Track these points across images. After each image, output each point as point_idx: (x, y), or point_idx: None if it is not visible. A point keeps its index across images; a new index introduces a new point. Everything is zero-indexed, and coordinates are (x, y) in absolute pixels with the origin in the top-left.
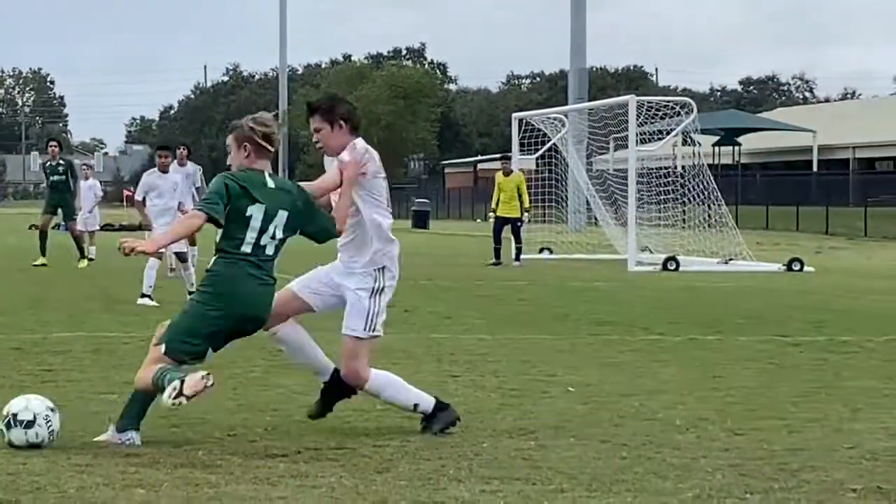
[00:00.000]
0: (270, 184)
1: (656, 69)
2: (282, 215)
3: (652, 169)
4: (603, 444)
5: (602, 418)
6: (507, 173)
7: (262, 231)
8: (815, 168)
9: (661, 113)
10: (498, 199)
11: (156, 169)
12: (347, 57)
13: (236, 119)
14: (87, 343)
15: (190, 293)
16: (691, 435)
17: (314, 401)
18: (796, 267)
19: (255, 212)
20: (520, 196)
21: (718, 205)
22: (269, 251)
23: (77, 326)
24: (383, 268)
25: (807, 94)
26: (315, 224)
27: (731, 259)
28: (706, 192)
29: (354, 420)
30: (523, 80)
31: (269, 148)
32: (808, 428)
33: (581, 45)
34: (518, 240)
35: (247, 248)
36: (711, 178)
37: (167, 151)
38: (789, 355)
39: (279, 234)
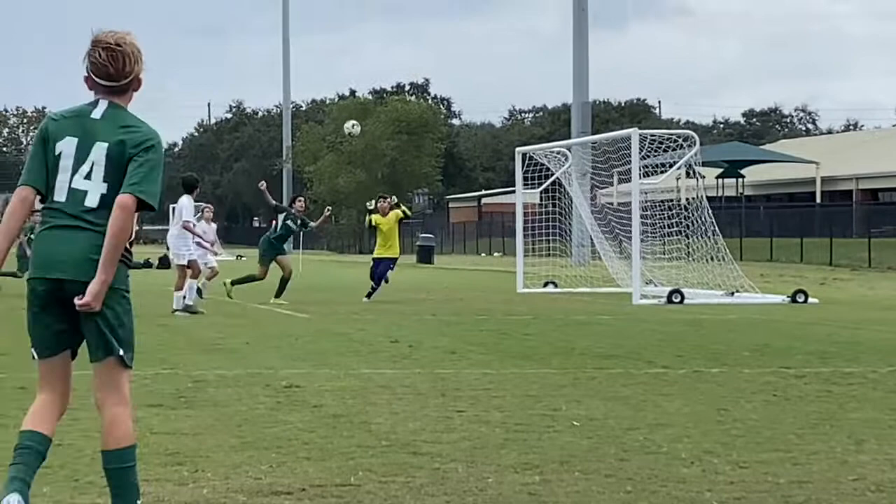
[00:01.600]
0: (97, 114)
1: (659, 102)
2: (100, 148)
3: (655, 202)
4: (608, 479)
5: (607, 452)
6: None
7: (76, 170)
8: (818, 199)
9: (664, 146)
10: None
11: None
12: (352, 92)
13: (240, 156)
14: (91, 381)
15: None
16: (696, 468)
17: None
18: (800, 299)
19: (66, 147)
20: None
21: (716, 238)
22: (91, 200)
23: (81, 364)
24: None
25: (809, 126)
26: (131, 176)
27: (735, 291)
28: (709, 225)
29: (359, 456)
30: (526, 115)
31: (99, 80)
32: (814, 460)
33: (584, 79)
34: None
35: (59, 196)
36: (710, 210)
37: None
38: (794, 387)
39: (101, 177)
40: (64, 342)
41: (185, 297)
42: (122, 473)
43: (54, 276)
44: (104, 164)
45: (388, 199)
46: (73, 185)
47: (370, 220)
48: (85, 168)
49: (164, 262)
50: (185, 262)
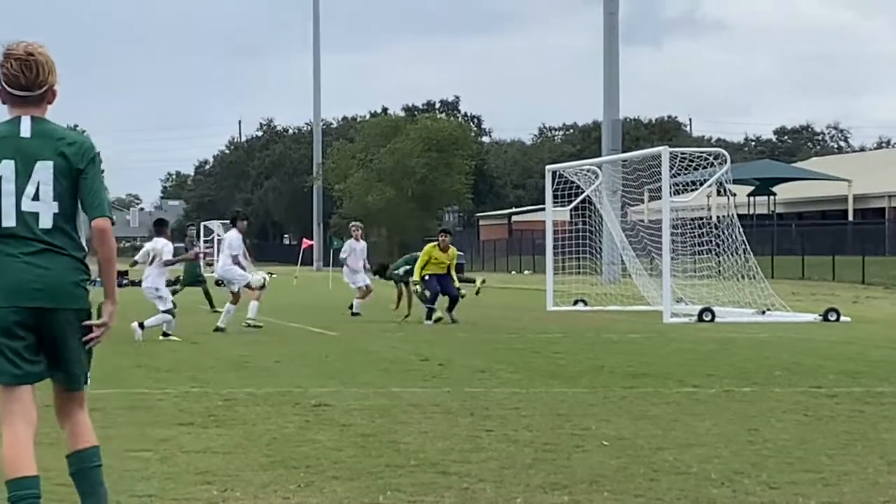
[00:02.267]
0: (25, 132)
1: (690, 119)
2: (45, 167)
3: (686, 220)
4: (637, 499)
5: (636, 472)
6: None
7: (21, 192)
8: (850, 217)
9: (694, 163)
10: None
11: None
12: (384, 110)
13: (271, 173)
14: (121, 399)
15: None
16: (726, 489)
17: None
18: (832, 317)
19: (4, 171)
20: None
21: (747, 256)
22: (45, 221)
23: (112, 383)
24: None
25: (841, 144)
26: (93, 197)
27: (767, 310)
28: (740, 242)
29: (388, 475)
30: (556, 132)
31: (13, 91)
32: (845, 481)
33: (614, 96)
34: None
35: (9, 222)
36: (740, 228)
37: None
38: (825, 407)
39: (51, 196)
40: (38, 367)
41: (248, 316)
42: (92, 473)
43: (34, 305)
44: (51, 182)
45: (450, 236)
46: (22, 209)
47: (427, 259)
48: (30, 189)
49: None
50: (236, 290)
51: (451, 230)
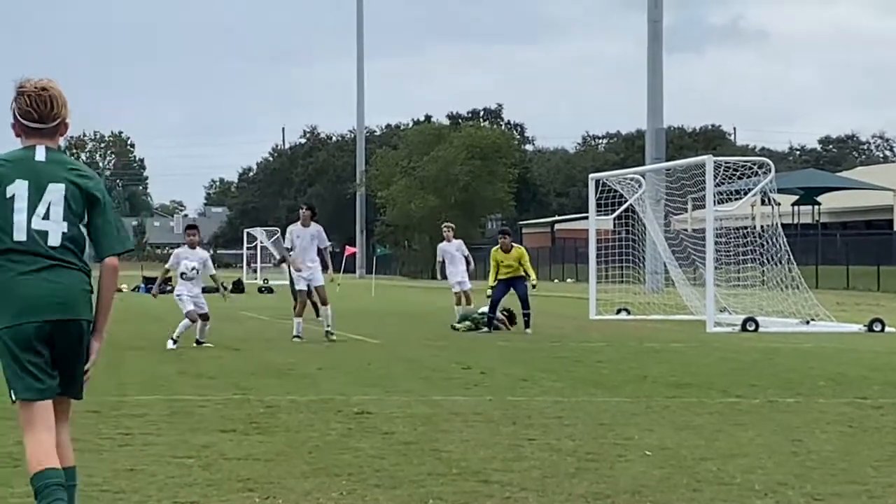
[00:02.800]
0: (40, 157)
1: (734, 128)
2: (57, 189)
3: (730, 229)
4: None
5: (679, 483)
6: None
7: (32, 210)
8: (895, 227)
9: (738, 173)
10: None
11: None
12: (428, 118)
13: (314, 180)
14: (164, 406)
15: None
16: (770, 500)
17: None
18: (877, 328)
19: (18, 189)
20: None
21: (791, 266)
22: (54, 240)
23: (155, 389)
24: None
25: (887, 153)
26: (104, 225)
27: (811, 320)
28: (784, 252)
29: (430, 484)
30: (600, 140)
31: (28, 124)
32: (890, 493)
33: (658, 105)
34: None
35: (19, 237)
36: (784, 237)
37: (195, 230)
38: (870, 418)
39: (61, 216)
40: (56, 381)
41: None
42: (72, 491)
43: (52, 319)
44: (62, 204)
45: (509, 236)
46: (32, 226)
47: (495, 262)
48: (41, 209)
49: (238, 286)
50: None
51: (510, 231)
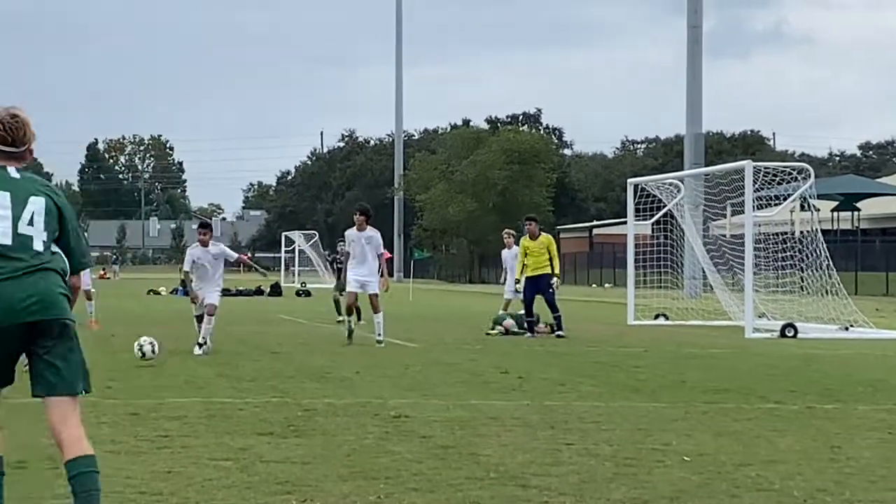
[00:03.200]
0: (14, 175)
1: (773, 134)
2: (37, 201)
3: (769, 235)
4: None
5: (718, 489)
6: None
7: (17, 217)
8: None
9: (778, 178)
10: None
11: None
12: (467, 122)
13: (352, 184)
14: (202, 408)
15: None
16: None
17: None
18: None
19: (1, 199)
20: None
21: (830, 272)
22: (38, 245)
23: (193, 392)
24: None
25: None
26: (74, 242)
27: (850, 326)
28: (823, 258)
29: (467, 488)
30: (639, 145)
31: (2, 148)
32: None
33: (697, 110)
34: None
35: (5, 240)
36: (824, 243)
37: (206, 230)
38: None
39: (42, 224)
40: (11, 374)
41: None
42: (96, 477)
43: (33, 320)
44: (43, 214)
45: (536, 222)
46: (18, 231)
47: (524, 249)
48: (26, 216)
49: (276, 290)
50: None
51: (536, 217)
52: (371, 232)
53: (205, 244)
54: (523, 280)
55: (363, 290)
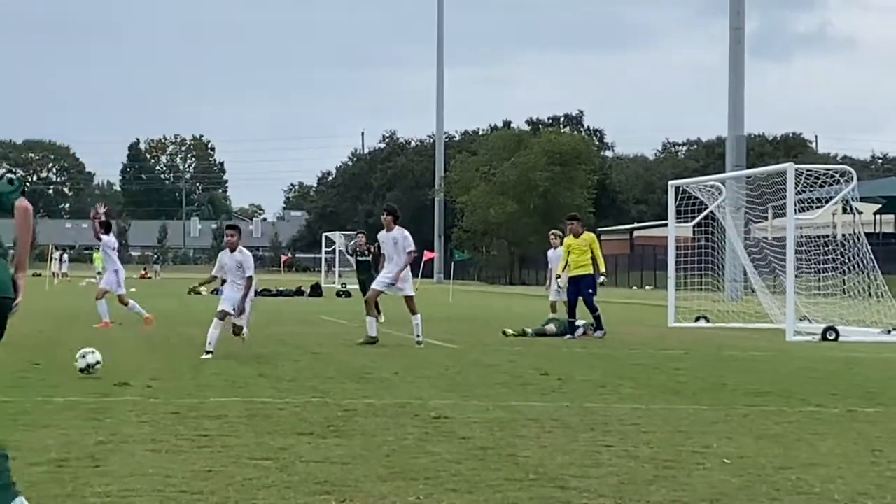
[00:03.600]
0: None
1: (816, 136)
2: None
3: (811, 237)
4: None
5: (758, 492)
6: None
7: None
8: None
9: (820, 181)
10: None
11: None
12: (507, 123)
13: (393, 185)
14: (242, 408)
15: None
16: None
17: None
18: None
19: None
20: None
21: (874, 275)
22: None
23: (233, 391)
24: None
25: None
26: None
27: (893, 329)
28: (867, 261)
29: (507, 489)
30: (680, 147)
31: None
32: None
33: (739, 112)
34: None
35: None
36: (867, 245)
37: (233, 231)
38: None
39: None
40: None
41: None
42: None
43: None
44: None
45: (577, 221)
46: None
47: (567, 247)
48: None
49: (317, 290)
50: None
51: (578, 215)
52: (397, 232)
53: (232, 247)
54: (565, 277)
55: (391, 292)
